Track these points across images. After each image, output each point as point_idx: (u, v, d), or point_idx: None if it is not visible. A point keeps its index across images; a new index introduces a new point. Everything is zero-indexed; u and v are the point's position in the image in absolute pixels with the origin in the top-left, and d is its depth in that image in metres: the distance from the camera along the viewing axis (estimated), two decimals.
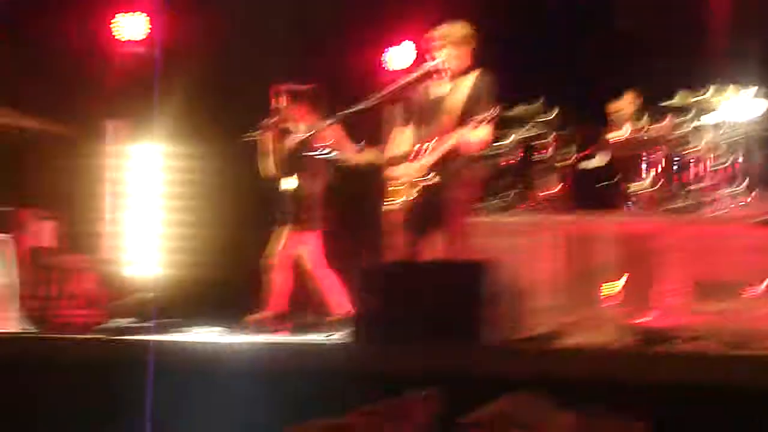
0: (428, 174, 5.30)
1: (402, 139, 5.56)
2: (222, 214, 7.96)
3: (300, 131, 6.33)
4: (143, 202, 8.38)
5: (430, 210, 5.27)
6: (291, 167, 6.29)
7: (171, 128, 8.05)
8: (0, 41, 7.61)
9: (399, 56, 8.08)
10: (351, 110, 5.63)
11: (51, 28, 7.76)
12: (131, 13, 8.06)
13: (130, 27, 8.07)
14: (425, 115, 5.43)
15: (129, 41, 8.06)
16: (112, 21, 8.06)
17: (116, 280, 7.70)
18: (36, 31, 7.81)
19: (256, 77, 7.03)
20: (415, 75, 5.60)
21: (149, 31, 8.10)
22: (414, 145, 5.41)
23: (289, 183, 6.33)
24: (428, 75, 5.52)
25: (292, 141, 6.28)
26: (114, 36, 8.08)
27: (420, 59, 6.04)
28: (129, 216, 8.32)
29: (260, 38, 7.49)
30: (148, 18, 8.10)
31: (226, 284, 7.43)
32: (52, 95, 7.77)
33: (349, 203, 6.78)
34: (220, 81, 7.75)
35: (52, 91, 7.79)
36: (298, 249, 6.33)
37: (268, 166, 6.37)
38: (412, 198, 5.33)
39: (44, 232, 7.37)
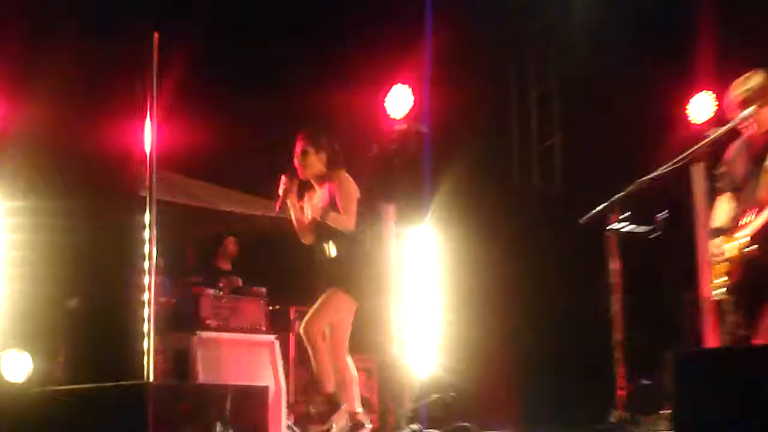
0: (754, 245, 4.77)
1: (723, 208, 4.88)
2: (493, 300, 7.74)
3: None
4: (422, 290, 8.11)
5: (760, 285, 4.72)
6: (320, 232, 5.61)
7: (442, 210, 7.96)
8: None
9: (700, 109, 7.46)
10: (654, 174, 5.02)
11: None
12: (400, 86, 7.81)
13: (400, 101, 7.78)
14: (746, 179, 4.82)
15: (395, 118, 7.83)
16: (385, 95, 7.79)
17: (401, 382, 7.48)
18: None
19: None
20: (722, 130, 4.93)
21: (413, 105, 7.88)
22: (735, 215, 4.89)
23: (330, 249, 5.62)
24: (736, 131, 4.84)
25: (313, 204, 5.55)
26: (385, 112, 7.83)
27: (721, 112, 5.37)
28: (409, 307, 8.05)
29: None
30: (411, 90, 7.87)
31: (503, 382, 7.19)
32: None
33: (647, 285, 6.11)
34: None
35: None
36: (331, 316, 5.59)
37: (301, 232, 5.64)
38: (737, 273, 4.82)
39: None
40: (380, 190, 7.88)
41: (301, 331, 5.44)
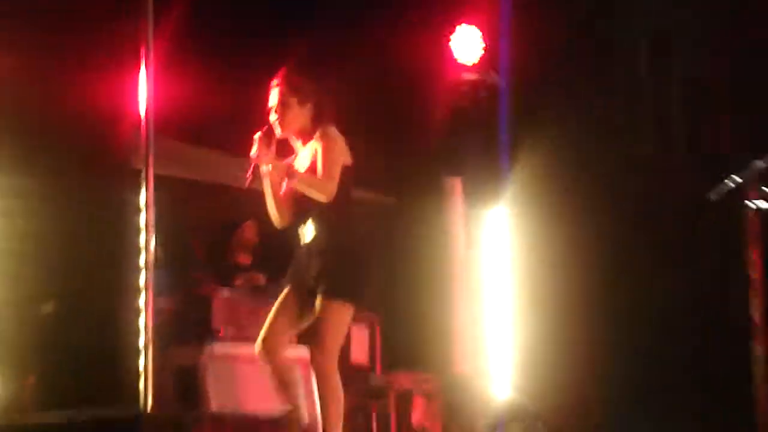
0: None
1: None
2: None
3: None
4: (494, 290, 8.10)
5: None
6: (298, 209, 5.30)
7: (522, 187, 7.90)
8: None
9: None
10: None
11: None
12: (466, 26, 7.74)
13: (467, 44, 7.70)
14: None
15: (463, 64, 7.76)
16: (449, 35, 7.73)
17: (471, 407, 7.46)
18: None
19: None
20: None
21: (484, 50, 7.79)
22: None
23: (306, 233, 5.28)
24: None
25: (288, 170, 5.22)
26: (450, 57, 7.77)
27: None
28: (481, 310, 8.06)
29: None
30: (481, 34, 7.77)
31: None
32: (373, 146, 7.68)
33: None
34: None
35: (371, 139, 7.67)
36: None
37: (272, 211, 5.35)
38: None
39: (357, 340, 7.48)
40: (443, 158, 7.87)
41: (258, 347, 5.17)
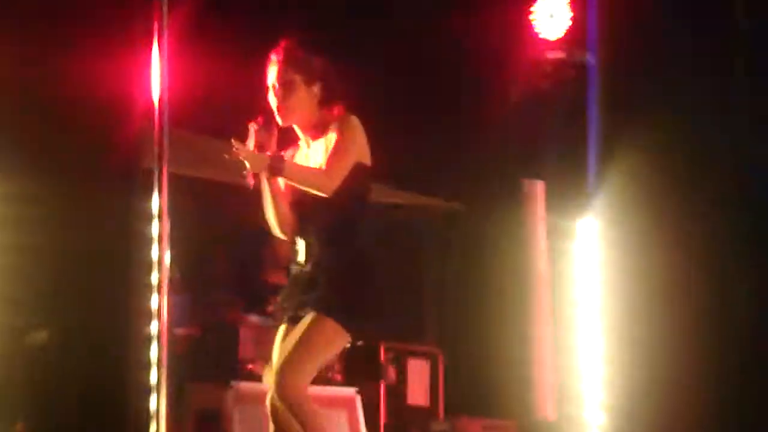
0: None
1: None
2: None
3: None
4: (586, 318, 7.97)
5: None
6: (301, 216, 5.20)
7: (617, 193, 7.82)
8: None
9: None
10: None
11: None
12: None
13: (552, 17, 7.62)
14: None
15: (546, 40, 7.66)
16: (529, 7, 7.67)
17: None
18: None
19: None
20: None
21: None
22: None
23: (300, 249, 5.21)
24: None
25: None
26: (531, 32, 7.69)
27: None
28: (568, 341, 7.93)
29: None
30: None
31: None
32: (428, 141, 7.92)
33: None
34: None
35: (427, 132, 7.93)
36: None
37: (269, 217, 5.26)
38: None
39: (416, 377, 7.58)
40: (521, 156, 7.78)
41: (275, 396, 4.93)
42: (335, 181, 4.91)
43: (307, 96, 5.06)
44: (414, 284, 8.78)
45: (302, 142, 5.14)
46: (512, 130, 7.80)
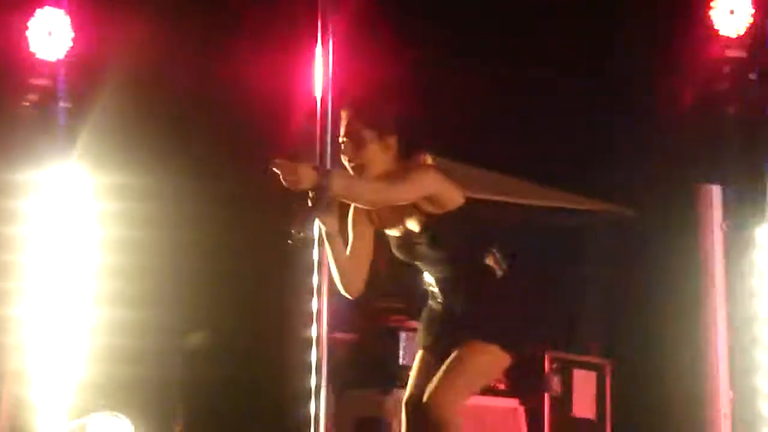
0: None
1: None
2: None
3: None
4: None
5: None
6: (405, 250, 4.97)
7: None
8: None
9: None
10: None
11: None
12: None
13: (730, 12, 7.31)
14: None
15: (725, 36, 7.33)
16: None
17: None
18: None
19: None
20: None
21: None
22: None
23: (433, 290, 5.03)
24: None
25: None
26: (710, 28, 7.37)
27: None
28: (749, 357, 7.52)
29: None
30: None
31: None
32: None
33: None
34: None
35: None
36: None
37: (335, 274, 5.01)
38: None
39: (582, 389, 7.59)
40: (697, 160, 7.50)
41: (431, 404, 4.77)
42: (407, 192, 4.66)
43: (379, 150, 4.79)
44: (583, 292, 8.69)
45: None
46: (689, 133, 7.57)
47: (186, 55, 7.34)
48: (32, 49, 7.11)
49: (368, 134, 4.74)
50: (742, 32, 7.18)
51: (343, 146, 4.76)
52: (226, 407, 6.96)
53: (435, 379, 4.72)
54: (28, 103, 7.07)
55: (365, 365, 7.00)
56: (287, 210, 6.69)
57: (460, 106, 7.92)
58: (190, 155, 7.31)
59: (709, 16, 7.15)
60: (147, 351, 6.80)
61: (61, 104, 6.96)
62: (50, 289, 6.95)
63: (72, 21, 7.08)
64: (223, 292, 6.98)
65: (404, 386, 6.47)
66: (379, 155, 4.76)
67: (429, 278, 4.94)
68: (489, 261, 4.78)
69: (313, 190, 4.53)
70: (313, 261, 5.77)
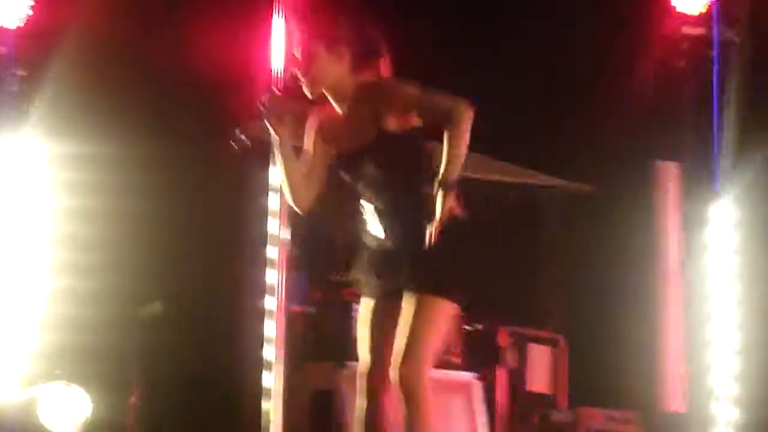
0: None
1: None
2: None
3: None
4: (721, 307, 7.66)
5: None
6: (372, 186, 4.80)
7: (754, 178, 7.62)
8: None
9: None
10: None
11: None
12: None
13: None
14: None
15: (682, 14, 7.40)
16: None
17: None
18: None
19: None
20: None
21: None
22: None
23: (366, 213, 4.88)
24: None
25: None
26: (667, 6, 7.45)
27: None
28: (701, 331, 7.65)
29: None
30: None
31: None
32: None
33: None
34: None
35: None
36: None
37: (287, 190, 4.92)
38: None
39: (537, 363, 7.57)
40: (653, 136, 7.62)
41: (397, 377, 4.66)
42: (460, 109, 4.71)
43: (332, 64, 4.70)
44: (537, 267, 8.73)
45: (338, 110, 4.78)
46: (647, 109, 7.63)
47: (143, 24, 7.32)
48: None
49: (318, 45, 4.65)
50: (702, 10, 7.21)
51: (295, 61, 4.68)
52: (182, 378, 6.95)
53: (399, 349, 4.60)
54: None
55: (321, 339, 6.96)
56: (243, 180, 6.73)
57: (412, 75, 7.92)
58: (146, 124, 7.28)
59: None
60: (101, 321, 6.76)
61: (17, 72, 6.97)
62: (4, 258, 6.93)
63: None
64: (180, 262, 6.97)
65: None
66: (332, 66, 4.68)
67: (370, 213, 4.72)
68: (445, 198, 4.59)
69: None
70: (268, 234, 5.80)
